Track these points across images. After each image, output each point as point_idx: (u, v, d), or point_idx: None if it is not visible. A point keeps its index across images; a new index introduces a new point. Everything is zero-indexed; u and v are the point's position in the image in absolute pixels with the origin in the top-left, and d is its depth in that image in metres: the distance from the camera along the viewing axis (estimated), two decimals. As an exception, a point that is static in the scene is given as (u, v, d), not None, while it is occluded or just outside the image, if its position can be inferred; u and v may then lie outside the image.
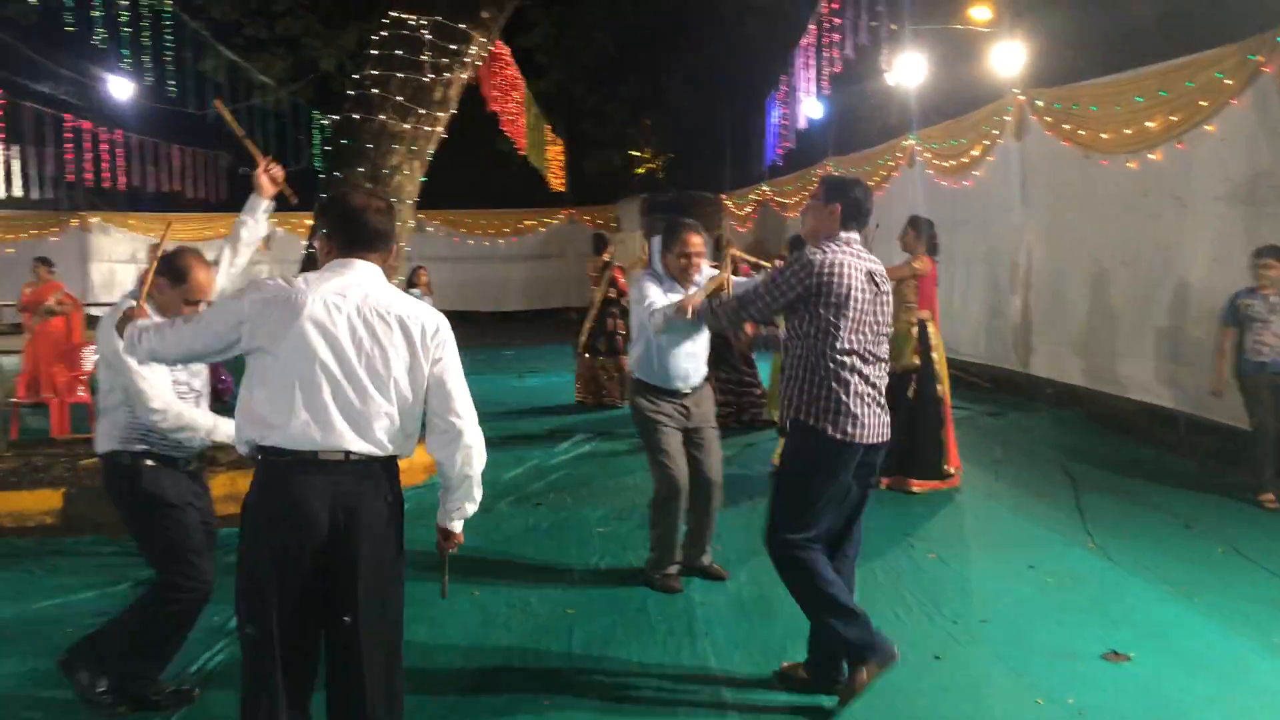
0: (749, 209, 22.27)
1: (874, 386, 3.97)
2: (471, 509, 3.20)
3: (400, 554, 3.09)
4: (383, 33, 7.80)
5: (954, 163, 12.53)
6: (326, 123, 17.11)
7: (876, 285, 3.98)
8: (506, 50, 14.36)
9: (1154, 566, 5.50)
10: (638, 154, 33.81)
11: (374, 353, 2.92)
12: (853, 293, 3.87)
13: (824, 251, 3.93)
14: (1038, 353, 10.92)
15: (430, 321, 3.01)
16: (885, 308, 4.02)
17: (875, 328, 3.96)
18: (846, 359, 3.89)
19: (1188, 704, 3.93)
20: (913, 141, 13.73)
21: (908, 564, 5.65)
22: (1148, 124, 8.77)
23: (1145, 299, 9.07)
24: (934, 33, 13.76)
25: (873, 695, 3.91)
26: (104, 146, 17.99)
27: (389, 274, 3.16)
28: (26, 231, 21.84)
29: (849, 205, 4.01)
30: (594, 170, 24.58)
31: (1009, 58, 11.32)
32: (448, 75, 7.81)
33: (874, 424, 3.94)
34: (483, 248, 24.17)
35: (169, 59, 14.41)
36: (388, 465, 3.00)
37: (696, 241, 5.19)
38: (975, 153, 11.99)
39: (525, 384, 13.54)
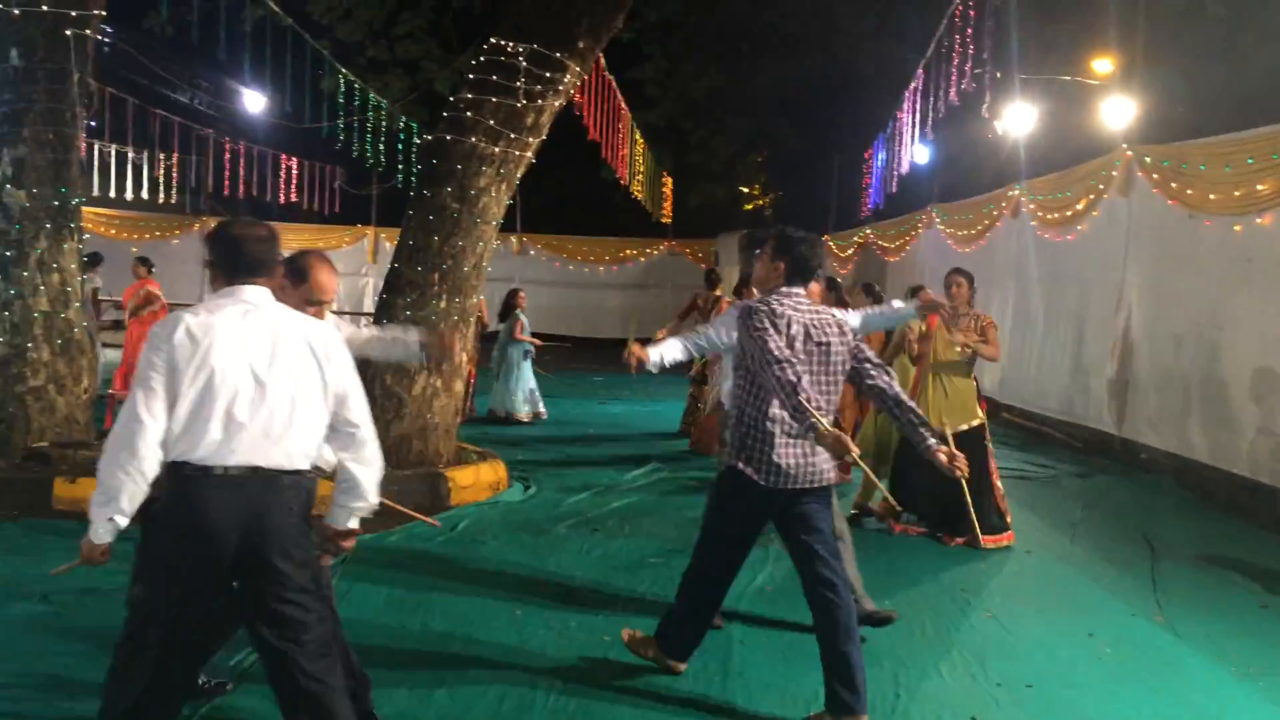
0: (851, 250, 22.09)
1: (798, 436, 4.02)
2: (366, 509, 3.34)
3: (313, 557, 3.28)
4: (481, 58, 7.99)
5: (1058, 215, 12.25)
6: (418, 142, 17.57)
7: (812, 338, 4.03)
8: (612, 81, 14.57)
9: (1221, 645, 5.25)
10: (747, 190, 33.90)
11: (281, 369, 3.10)
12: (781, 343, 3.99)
13: (763, 304, 4.09)
14: (1132, 416, 10.55)
15: (325, 335, 3.24)
16: (829, 360, 4.07)
17: (813, 377, 4.00)
18: (772, 409, 4.02)
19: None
20: (1018, 191, 13.47)
21: (960, 621, 5.49)
22: (1258, 187, 8.46)
23: (1246, 368, 8.70)
24: (1045, 83, 13.52)
25: None
26: (227, 155, 18.79)
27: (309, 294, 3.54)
28: (152, 233, 22.87)
29: (793, 262, 4.15)
30: (697, 203, 24.67)
31: (1119, 112, 11.06)
32: (540, 102, 7.95)
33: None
34: (583, 274, 24.44)
35: (292, 75, 15.04)
36: (296, 477, 3.15)
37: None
38: (1080, 206, 11.71)
39: (608, 409, 13.61)
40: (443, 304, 7.72)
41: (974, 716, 4.27)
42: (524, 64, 7.85)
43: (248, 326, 3.11)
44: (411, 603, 5.36)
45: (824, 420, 3.85)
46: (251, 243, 3.23)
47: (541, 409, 12.30)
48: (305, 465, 3.18)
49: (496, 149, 7.86)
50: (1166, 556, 6.97)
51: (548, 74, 7.93)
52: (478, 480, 7.70)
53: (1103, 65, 14.38)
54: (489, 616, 5.21)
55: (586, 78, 13.35)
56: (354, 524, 3.37)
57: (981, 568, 6.60)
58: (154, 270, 11.05)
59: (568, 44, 7.96)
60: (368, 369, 7.58)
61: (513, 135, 7.90)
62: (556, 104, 8.18)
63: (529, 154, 8.17)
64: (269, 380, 3.08)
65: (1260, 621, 5.71)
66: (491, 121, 7.82)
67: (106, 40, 22.38)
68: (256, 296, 3.19)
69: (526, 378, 12.28)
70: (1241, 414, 8.70)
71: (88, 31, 7.15)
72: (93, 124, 19.25)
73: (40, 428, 7.11)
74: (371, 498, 3.32)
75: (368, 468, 3.29)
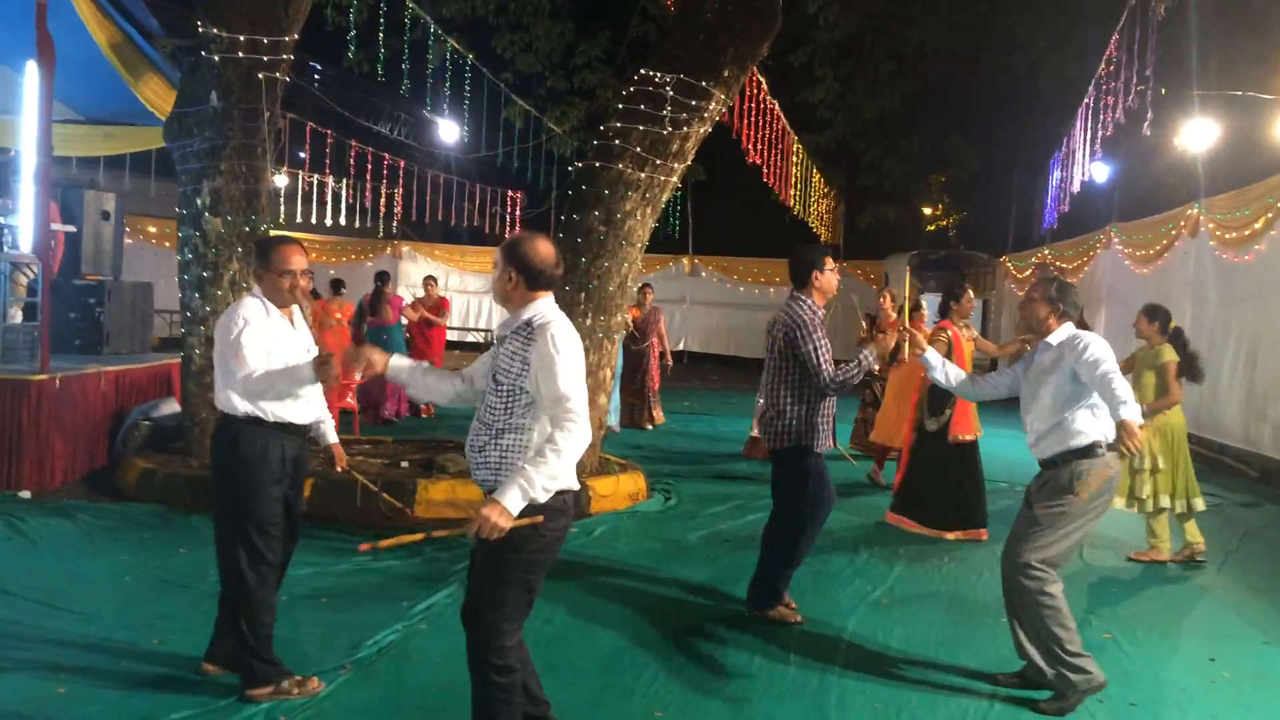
0: (1029, 272, 21.52)
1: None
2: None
3: None
4: (630, 88, 8.40)
5: (1236, 235, 11.75)
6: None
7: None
8: (775, 104, 14.81)
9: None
10: (930, 211, 33.37)
11: None
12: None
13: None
14: (1270, 441, 10.02)
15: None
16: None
17: None
18: None
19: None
20: (1197, 210, 12.96)
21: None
22: None
23: None
24: (1227, 99, 12.95)
25: None
26: (415, 183, 19.98)
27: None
28: (348, 256, 24.47)
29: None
30: (868, 224, 24.51)
31: (1299, 126, 10.55)
32: (686, 129, 8.29)
33: None
34: (753, 295, 24.63)
35: (475, 106, 15.93)
36: None
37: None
38: (1259, 225, 11.21)
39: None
40: (588, 322, 8.15)
41: (1065, 729, 4.32)
42: (670, 93, 8.21)
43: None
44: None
45: None
46: (551, 258, 3.51)
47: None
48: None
49: (643, 175, 8.25)
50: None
51: (694, 102, 8.27)
52: (617, 490, 8.08)
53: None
54: (606, 613, 5.56)
55: (747, 103, 13.71)
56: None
57: (1114, 591, 6.51)
58: (344, 291, 12.10)
59: (713, 73, 8.28)
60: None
61: (658, 161, 8.27)
62: (702, 130, 8.50)
63: (674, 179, 8.53)
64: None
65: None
66: (638, 149, 8.22)
67: (316, 76, 24.23)
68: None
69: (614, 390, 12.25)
70: None
71: (278, 75, 7.93)
72: (302, 155, 20.90)
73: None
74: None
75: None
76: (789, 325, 5.39)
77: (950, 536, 7.60)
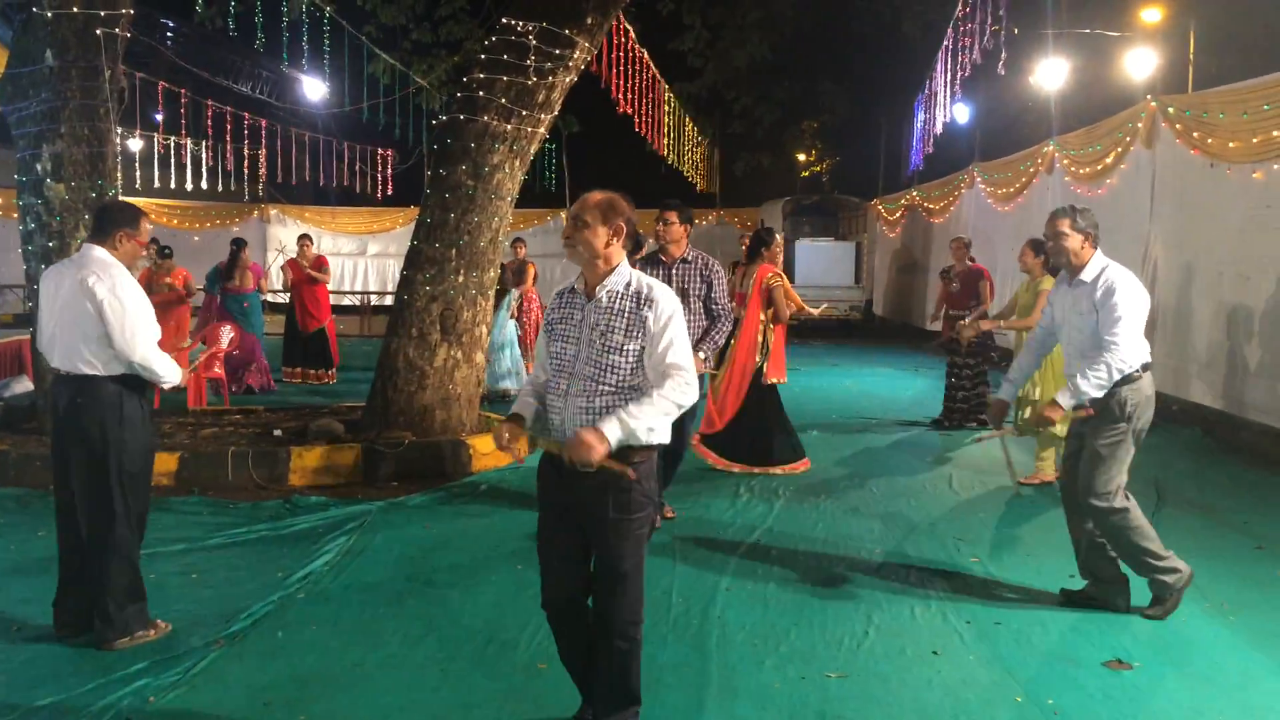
0: (899, 214, 22.04)
1: None
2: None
3: None
4: (492, 38, 8.25)
5: (1090, 170, 12.21)
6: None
7: None
8: (644, 53, 14.74)
9: (1202, 584, 5.33)
10: (804, 157, 33.81)
11: None
12: None
13: None
14: (1159, 368, 10.47)
15: None
16: None
17: None
18: None
19: (1169, 713, 3.90)
20: (1053, 148, 13.41)
21: (946, 563, 5.70)
22: (1274, 133, 8.42)
23: (1265, 315, 8.67)
24: (1078, 38, 13.40)
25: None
26: (279, 143, 19.33)
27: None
28: (212, 221, 23.61)
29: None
30: (744, 172, 24.73)
31: (1143, 63, 10.97)
32: (551, 79, 8.18)
33: None
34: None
35: (341, 62, 15.45)
36: None
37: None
38: (1109, 160, 11.66)
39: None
40: (460, 278, 8.04)
41: (935, 650, 4.47)
42: (534, 42, 8.08)
43: None
44: (420, 558, 5.72)
45: None
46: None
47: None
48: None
49: (509, 126, 8.12)
50: (1172, 503, 7.06)
51: (557, 51, 8.15)
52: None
53: (1151, 15, 14.20)
54: (489, 569, 5.54)
55: (616, 52, 13.60)
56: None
57: (981, 516, 6.78)
58: (169, 254, 11.64)
59: (576, 20, 8.17)
60: (391, 343, 7.97)
61: (524, 112, 8.15)
62: (568, 80, 8.41)
63: (542, 130, 8.42)
64: None
65: (1250, 563, 5.80)
66: (503, 100, 8.08)
67: (169, 34, 23.15)
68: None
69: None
70: (1262, 362, 8.68)
71: (117, 30, 7.53)
72: (157, 117, 20.01)
73: (87, 406, 7.57)
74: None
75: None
76: None
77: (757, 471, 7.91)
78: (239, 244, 12.19)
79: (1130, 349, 4.76)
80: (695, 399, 3.43)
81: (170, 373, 4.49)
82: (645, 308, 3.39)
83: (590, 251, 3.44)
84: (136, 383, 4.46)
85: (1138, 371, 4.81)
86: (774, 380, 7.91)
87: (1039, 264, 7.70)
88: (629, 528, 3.40)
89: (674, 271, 6.52)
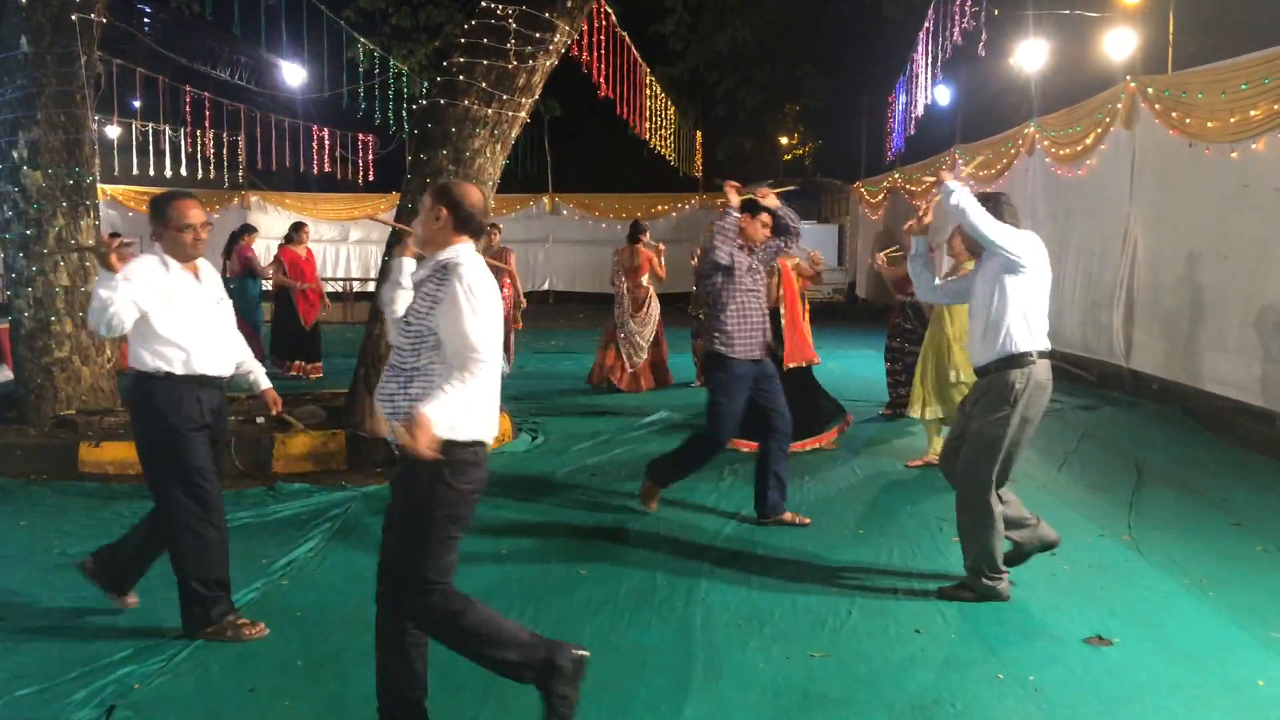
0: (881, 196, 22.05)
1: None
2: None
3: None
4: (472, 21, 8.20)
5: (1070, 150, 12.24)
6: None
7: None
8: (625, 36, 14.67)
9: (1181, 561, 5.42)
10: (786, 140, 33.76)
11: None
12: None
13: None
14: (1140, 347, 10.60)
15: None
16: None
17: None
18: None
19: (1150, 687, 3.94)
20: (1033, 129, 13.44)
21: (927, 544, 5.74)
22: (1251, 112, 8.45)
23: (1243, 294, 8.73)
24: (1058, 18, 13.42)
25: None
26: (259, 129, 19.21)
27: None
28: (193, 208, 23.43)
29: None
30: (725, 155, 24.69)
31: (1122, 43, 11.00)
32: (532, 63, 8.14)
33: None
34: (615, 231, 24.60)
35: (320, 47, 15.34)
36: None
37: None
38: (1089, 141, 11.70)
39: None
40: (443, 263, 8.01)
41: (917, 629, 4.51)
42: (514, 25, 8.04)
43: None
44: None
45: None
46: (481, 205, 3.50)
47: None
48: None
49: (490, 111, 8.08)
50: (1152, 482, 7.12)
51: (537, 34, 8.11)
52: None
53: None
54: (475, 552, 5.55)
55: (597, 36, 13.53)
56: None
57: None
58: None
59: (556, 4, 8.12)
60: (374, 329, 7.94)
61: (505, 97, 8.11)
62: (549, 64, 8.37)
63: (523, 114, 8.38)
64: None
65: (1228, 540, 5.85)
66: (484, 84, 8.04)
67: (146, 20, 22.93)
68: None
69: None
70: (1239, 339, 8.74)
71: (93, 15, 7.47)
72: (136, 104, 19.83)
73: (67, 396, 7.54)
74: None
75: None
76: None
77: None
78: (241, 231, 12.47)
79: (1022, 322, 4.70)
80: (491, 390, 3.42)
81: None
82: (442, 284, 3.35)
83: (421, 235, 3.52)
84: (166, 376, 4.39)
85: (1032, 355, 4.72)
86: (792, 365, 7.85)
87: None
88: (414, 515, 3.49)
89: None
